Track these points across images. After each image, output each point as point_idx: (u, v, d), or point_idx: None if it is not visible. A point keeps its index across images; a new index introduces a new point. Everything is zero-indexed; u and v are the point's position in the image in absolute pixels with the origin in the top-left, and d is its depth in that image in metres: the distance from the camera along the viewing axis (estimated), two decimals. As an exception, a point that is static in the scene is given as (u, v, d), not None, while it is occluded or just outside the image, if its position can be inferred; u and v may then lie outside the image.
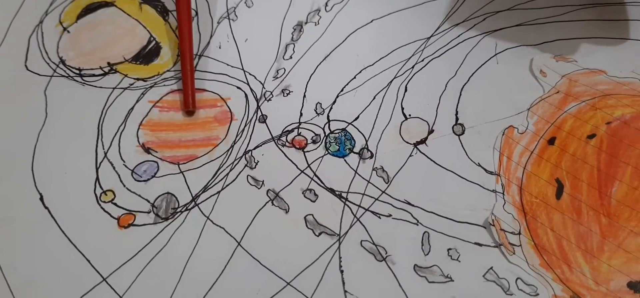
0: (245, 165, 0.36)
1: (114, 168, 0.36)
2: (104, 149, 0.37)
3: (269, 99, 0.39)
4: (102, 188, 0.35)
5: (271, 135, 0.37)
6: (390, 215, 0.34)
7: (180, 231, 0.34)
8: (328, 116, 0.38)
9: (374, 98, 0.38)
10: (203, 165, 0.36)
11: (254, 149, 0.37)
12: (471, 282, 0.31)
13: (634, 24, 0.40)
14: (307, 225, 0.34)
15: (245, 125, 0.38)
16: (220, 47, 0.42)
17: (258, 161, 0.36)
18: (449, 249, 0.32)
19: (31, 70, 0.41)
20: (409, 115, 0.38)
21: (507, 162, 0.35)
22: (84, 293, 0.32)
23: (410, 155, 0.36)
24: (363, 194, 0.35)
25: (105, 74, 0.41)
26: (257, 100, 0.39)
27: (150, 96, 0.40)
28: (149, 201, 0.35)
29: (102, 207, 0.35)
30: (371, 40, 0.42)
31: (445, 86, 0.39)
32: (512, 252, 0.32)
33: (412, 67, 0.40)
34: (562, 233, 0.32)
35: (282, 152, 0.37)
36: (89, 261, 0.33)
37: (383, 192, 0.35)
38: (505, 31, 0.41)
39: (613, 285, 0.30)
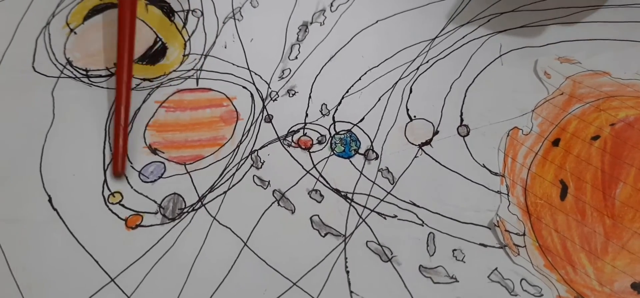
0: (252, 165, 0.36)
1: (121, 169, 0.37)
2: (111, 150, 0.37)
3: (275, 99, 0.39)
4: (109, 190, 0.36)
5: (277, 135, 0.38)
6: (395, 216, 0.34)
7: (187, 231, 0.34)
8: (333, 117, 0.38)
9: (379, 99, 0.39)
10: (209, 165, 0.37)
11: (260, 148, 0.37)
12: (476, 283, 0.32)
13: (638, 26, 0.40)
14: (313, 226, 0.34)
15: (251, 125, 0.38)
16: (226, 47, 0.42)
17: (264, 161, 0.37)
18: (454, 250, 0.33)
19: (38, 71, 0.41)
20: (414, 116, 0.38)
21: (511, 163, 0.35)
22: (92, 294, 0.32)
23: (415, 157, 0.36)
24: (368, 195, 0.35)
25: (111, 74, 0.41)
26: (263, 100, 0.39)
27: (157, 96, 0.40)
28: (156, 202, 0.35)
29: (110, 209, 0.35)
30: (376, 41, 0.42)
31: (450, 87, 0.39)
32: (516, 252, 0.32)
33: (417, 68, 0.40)
34: (566, 234, 0.32)
35: (288, 152, 0.37)
36: (97, 262, 0.33)
37: (388, 193, 0.35)
38: (510, 32, 0.41)
39: (617, 286, 0.31)
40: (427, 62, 0.40)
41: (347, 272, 0.32)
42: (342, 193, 0.35)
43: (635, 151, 0.34)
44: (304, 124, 0.38)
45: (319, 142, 0.37)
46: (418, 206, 0.34)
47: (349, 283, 0.32)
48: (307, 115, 0.38)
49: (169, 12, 0.45)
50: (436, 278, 0.32)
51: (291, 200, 0.35)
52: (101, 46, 0.42)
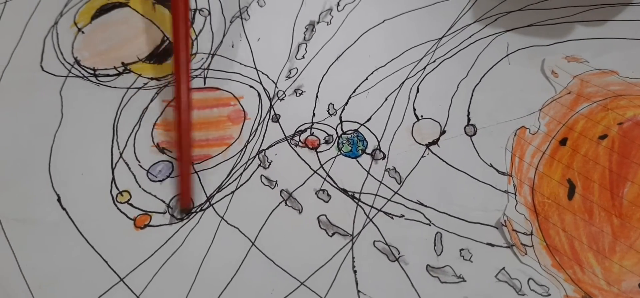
0: (259, 165, 0.37)
1: (129, 168, 0.37)
2: (119, 149, 0.37)
3: (282, 99, 0.39)
4: (118, 189, 0.36)
5: (284, 134, 0.38)
6: (402, 216, 0.34)
7: (195, 231, 0.34)
8: (340, 117, 0.38)
9: (386, 99, 0.39)
10: (217, 164, 0.37)
11: (268, 148, 0.37)
12: (483, 283, 0.32)
13: (646, 24, 0.40)
14: (320, 226, 0.34)
15: (259, 125, 0.38)
16: (233, 46, 0.42)
17: (271, 161, 0.37)
18: (461, 250, 0.33)
19: (46, 70, 0.41)
20: (421, 116, 0.38)
21: (519, 163, 0.35)
22: (101, 294, 0.32)
23: (422, 156, 0.36)
24: (375, 195, 0.35)
25: (119, 73, 0.41)
26: (270, 100, 0.39)
27: (165, 95, 0.40)
28: (164, 202, 0.35)
29: (118, 208, 0.35)
30: (383, 40, 0.42)
31: (457, 87, 0.39)
32: (524, 252, 0.32)
33: (424, 68, 0.40)
34: (573, 234, 0.32)
35: (295, 151, 0.37)
36: (106, 262, 0.33)
37: (395, 192, 0.35)
38: (517, 31, 0.41)
39: (625, 285, 0.31)
40: (434, 61, 0.40)
41: (355, 272, 0.32)
42: (350, 193, 0.35)
43: (643, 151, 0.34)
44: (311, 124, 0.38)
45: (326, 142, 0.37)
46: (425, 206, 0.34)
47: (357, 283, 0.32)
48: (314, 114, 0.39)
49: (176, 12, 0.45)
50: (443, 277, 0.32)
51: (298, 200, 0.35)
52: (109, 45, 0.43)
